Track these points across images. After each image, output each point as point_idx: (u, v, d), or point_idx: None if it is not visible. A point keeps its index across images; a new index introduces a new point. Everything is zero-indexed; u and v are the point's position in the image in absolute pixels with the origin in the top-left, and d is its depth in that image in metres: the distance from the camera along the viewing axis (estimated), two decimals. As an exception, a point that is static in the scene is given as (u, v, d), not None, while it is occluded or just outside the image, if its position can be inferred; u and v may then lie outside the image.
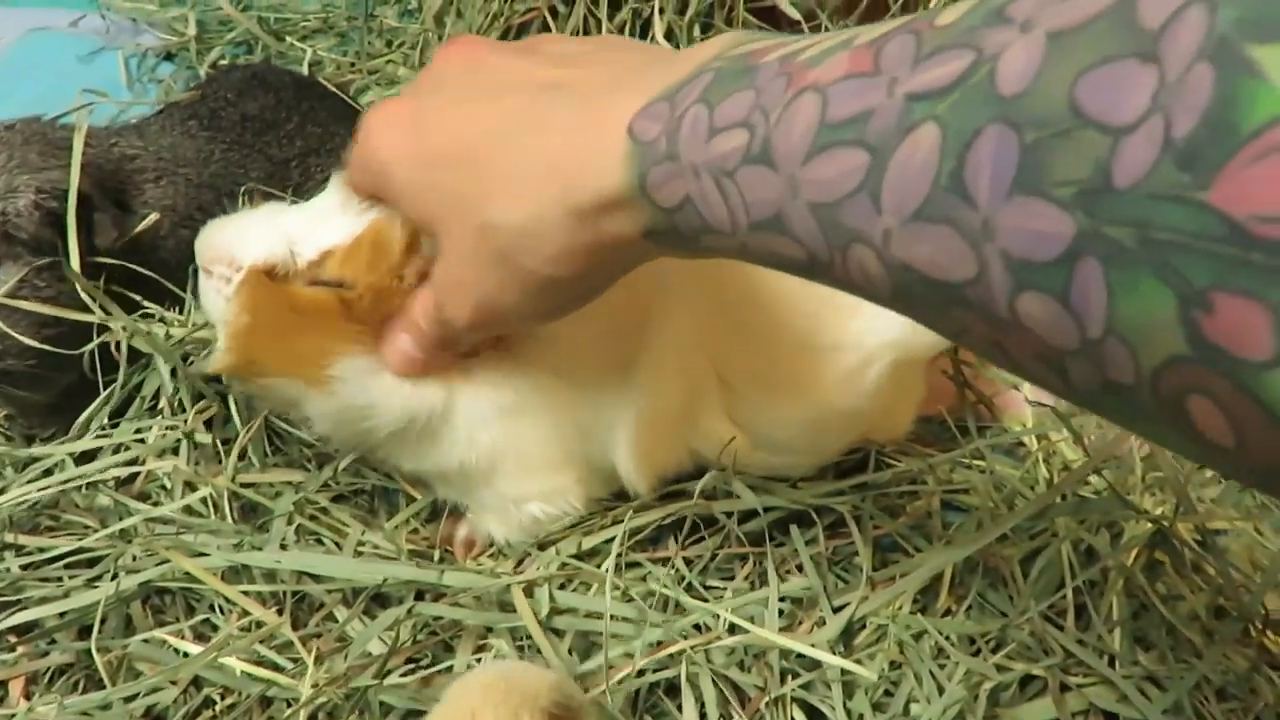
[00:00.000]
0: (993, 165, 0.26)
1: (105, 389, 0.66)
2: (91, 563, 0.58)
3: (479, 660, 0.55)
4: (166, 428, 0.62)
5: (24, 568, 0.54)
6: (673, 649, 0.52)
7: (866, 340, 0.61)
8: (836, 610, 0.55)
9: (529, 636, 0.54)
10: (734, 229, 0.35)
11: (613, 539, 0.61)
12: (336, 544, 0.60)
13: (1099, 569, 0.54)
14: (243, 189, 0.75)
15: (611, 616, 0.54)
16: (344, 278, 0.52)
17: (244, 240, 0.53)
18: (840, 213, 0.30)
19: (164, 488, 0.63)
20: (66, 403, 0.68)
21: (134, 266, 0.65)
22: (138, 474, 0.61)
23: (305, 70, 1.08)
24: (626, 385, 0.57)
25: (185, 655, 0.52)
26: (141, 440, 0.62)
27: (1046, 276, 0.25)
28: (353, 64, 1.14)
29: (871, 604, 0.55)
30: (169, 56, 1.15)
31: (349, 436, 0.57)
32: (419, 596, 0.57)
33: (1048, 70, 0.25)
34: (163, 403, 0.64)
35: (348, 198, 0.53)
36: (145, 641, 0.52)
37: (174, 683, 0.50)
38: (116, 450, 0.61)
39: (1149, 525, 0.55)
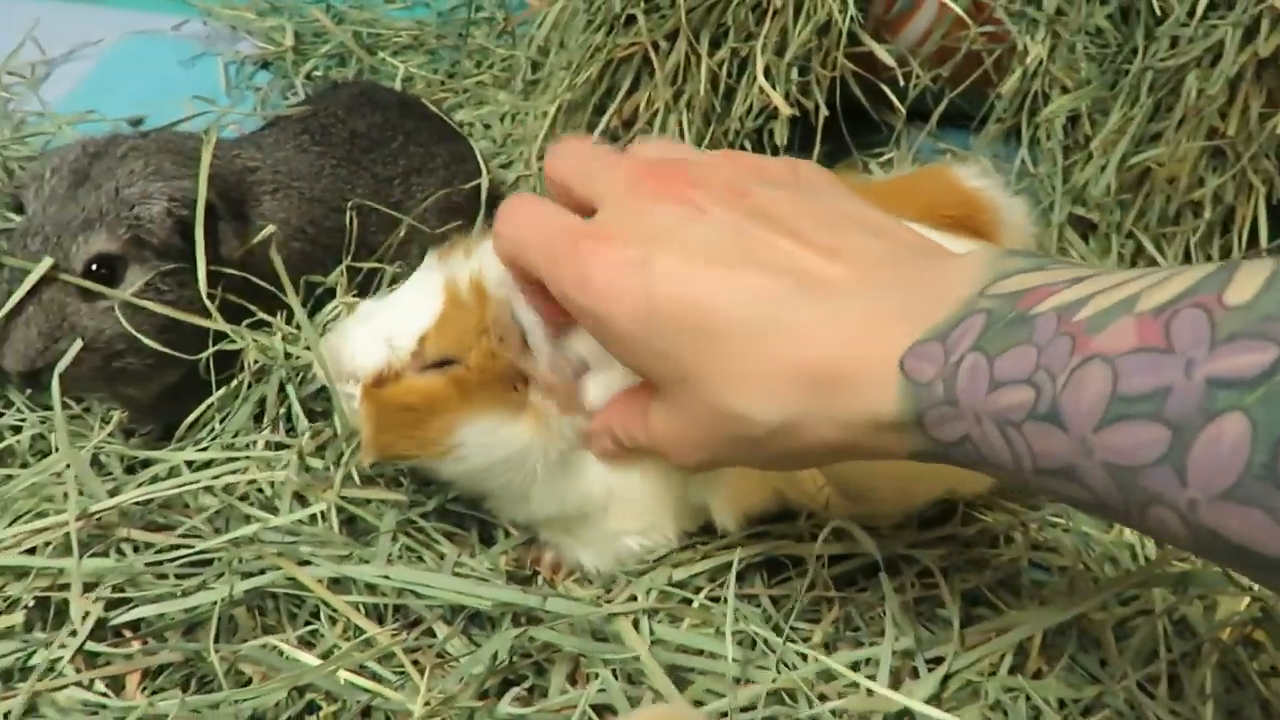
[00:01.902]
0: None
1: (213, 393, 0.68)
2: (200, 564, 0.59)
3: (573, 685, 0.56)
4: (277, 444, 0.63)
5: (146, 565, 0.56)
6: (781, 691, 0.53)
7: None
8: (930, 664, 0.56)
9: (623, 665, 0.55)
10: (1017, 469, 0.36)
11: (700, 574, 0.62)
12: (436, 562, 0.61)
13: (1195, 644, 0.55)
14: (350, 204, 0.78)
15: (711, 654, 0.55)
16: (446, 353, 0.56)
17: (353, 354, 0.58)
18: (1140, 478, 0.31)
19: (261, 491, 0.65)
20: (167, 402, 0.71)
21: (252, 277, 0.68)
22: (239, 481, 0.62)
23: (398, 86, 1.11)
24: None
25: (291, 660, 0.53)
26: (251, 449, 0.64)
27: None
28: (443, 82, 1.16)
29: (963, 660, 0.56)
30: (265, 65, 1.18)
31: (482, 491, 0.61)
32: (514, 618, 0.58)
33: None
34: (269, 412, 0.66)
35: (425, 284, 0.58)
36: (261, 647, 0.53)
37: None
38: (230, 460, 0.63)
39: (1249, 600, 0.55)
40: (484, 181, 0.89)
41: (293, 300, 0.65)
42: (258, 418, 0.68)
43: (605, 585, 0.65)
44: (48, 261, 0.62)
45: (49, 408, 0.72)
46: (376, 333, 0.58)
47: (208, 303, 0.65)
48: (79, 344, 0.61)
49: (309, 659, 0.53)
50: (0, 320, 0.62)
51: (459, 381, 0.57)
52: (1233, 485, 0.29)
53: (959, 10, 0.92)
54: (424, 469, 0.61)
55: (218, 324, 0.65)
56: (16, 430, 0.71)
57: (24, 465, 0.68)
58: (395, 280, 0.75)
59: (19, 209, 0.67)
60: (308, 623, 0.58)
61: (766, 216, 0.44)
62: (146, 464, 0.66)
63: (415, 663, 0.55)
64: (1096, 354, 0.32)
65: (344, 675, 0.53)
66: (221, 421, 0.67)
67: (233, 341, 0.66)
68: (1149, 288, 0.33)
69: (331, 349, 0.59)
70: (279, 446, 0.64)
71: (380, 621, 0.57)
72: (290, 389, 0.64)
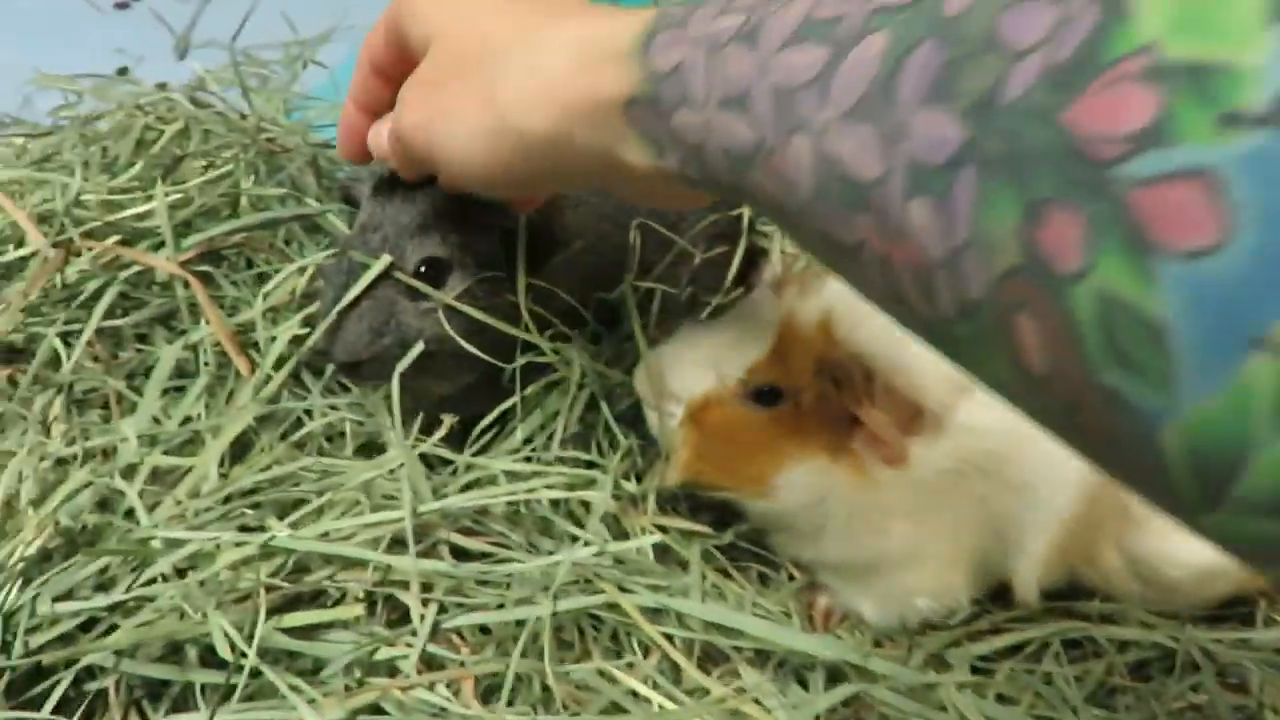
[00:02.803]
0: (919, 74, 0.29)
1: (504, 404, 0.69)
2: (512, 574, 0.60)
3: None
4: (587, 462, 0.64)
5: (471, 573, 0.57)
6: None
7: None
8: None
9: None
10: (706, 101, 0.38)
11: (1003, 648, 0.61)
12: (736, 598, 0.61)
13: None
14: (635, 222, 0.78)
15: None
16: (774, 383, 0.57)
17: (678, 376, 0.59)
18: (794, 100, 0.34)
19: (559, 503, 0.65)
20: (458, 403, 0.72)
21: (559, 290, 0.69)
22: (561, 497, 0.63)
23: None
24: (1048, 495, 0.58)
25: (619, 686, 0.54)
26: (558, 465, 0.65)
27: (934, 180, 0.28)
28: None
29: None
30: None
31: (778, 527, 0.62)
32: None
33: (983, 2, 0.28)
34: (570, 424, 0.67)
35: (755, 314, 0.59)
36: (595, 671, 0.54)
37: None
38: (537, 474, 0.63)
39: None
40: (745, 210, 0.89)
41: (635, 322, 0.65)
42: (543, 427, 0.69)
43: (875, 640, 0.64)
44: (387, 259, 0.64)
45: (332, 391, 0.75)
46: (703, 358, 0.58)
47: (525, 314, 0.66)
48: (420, 346, 0.63)
49: (639, 687, 0.54)
50: (337, 312, 0.63)
51: (787, 420, 0.57)
52: (857, 102, 0.31)
53: None
54: (729, 500, 0.61)
55: (532, 336, 0.66)
56: (309, 414, 0.73)
57: (320, 452, 0.69)
58: (674, 303, 0.75)
59: (347, 200, 0.69)
60: (608, 647, 0.59)
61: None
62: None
63: (735, 711, 0.55)
64: None
65: (660, 703, 0.53)
66: (522, 429, 0.67)
67: (542, 353, 0.67)
68: None
69: (657, 370, 0.59)
70: (589, 465, 0.65)
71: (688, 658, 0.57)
72: (604, 406, 0.65)
